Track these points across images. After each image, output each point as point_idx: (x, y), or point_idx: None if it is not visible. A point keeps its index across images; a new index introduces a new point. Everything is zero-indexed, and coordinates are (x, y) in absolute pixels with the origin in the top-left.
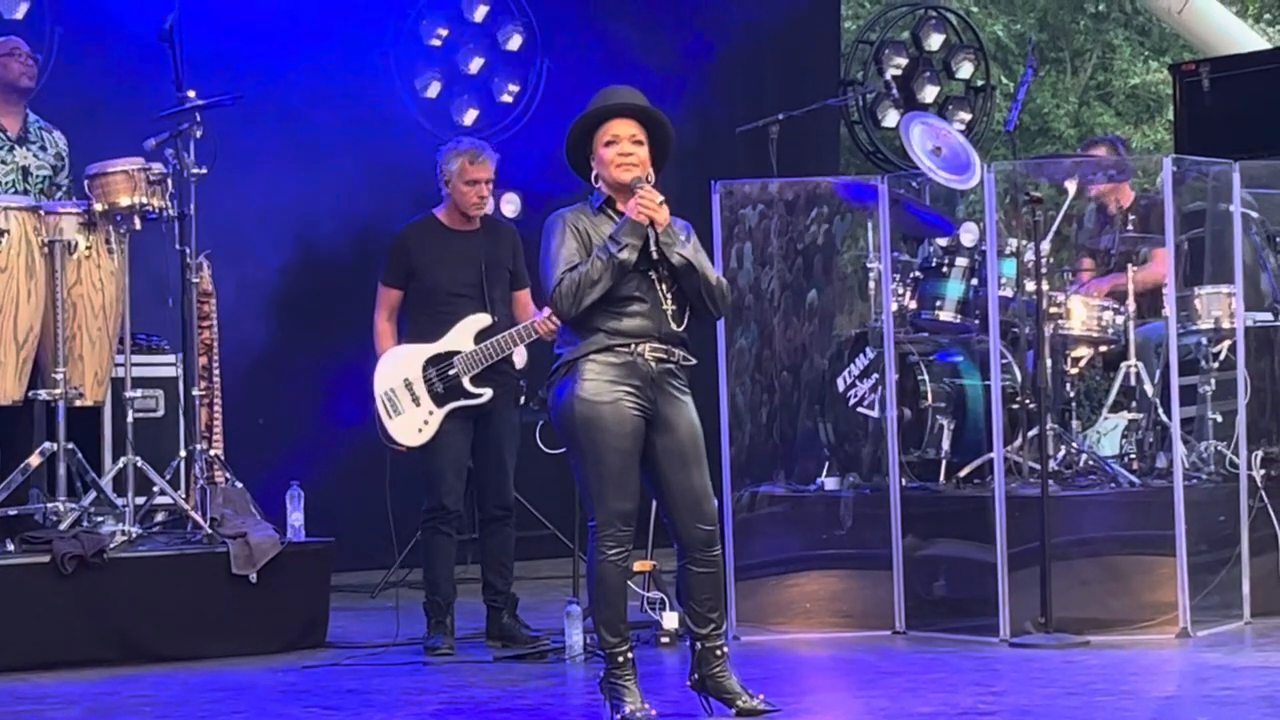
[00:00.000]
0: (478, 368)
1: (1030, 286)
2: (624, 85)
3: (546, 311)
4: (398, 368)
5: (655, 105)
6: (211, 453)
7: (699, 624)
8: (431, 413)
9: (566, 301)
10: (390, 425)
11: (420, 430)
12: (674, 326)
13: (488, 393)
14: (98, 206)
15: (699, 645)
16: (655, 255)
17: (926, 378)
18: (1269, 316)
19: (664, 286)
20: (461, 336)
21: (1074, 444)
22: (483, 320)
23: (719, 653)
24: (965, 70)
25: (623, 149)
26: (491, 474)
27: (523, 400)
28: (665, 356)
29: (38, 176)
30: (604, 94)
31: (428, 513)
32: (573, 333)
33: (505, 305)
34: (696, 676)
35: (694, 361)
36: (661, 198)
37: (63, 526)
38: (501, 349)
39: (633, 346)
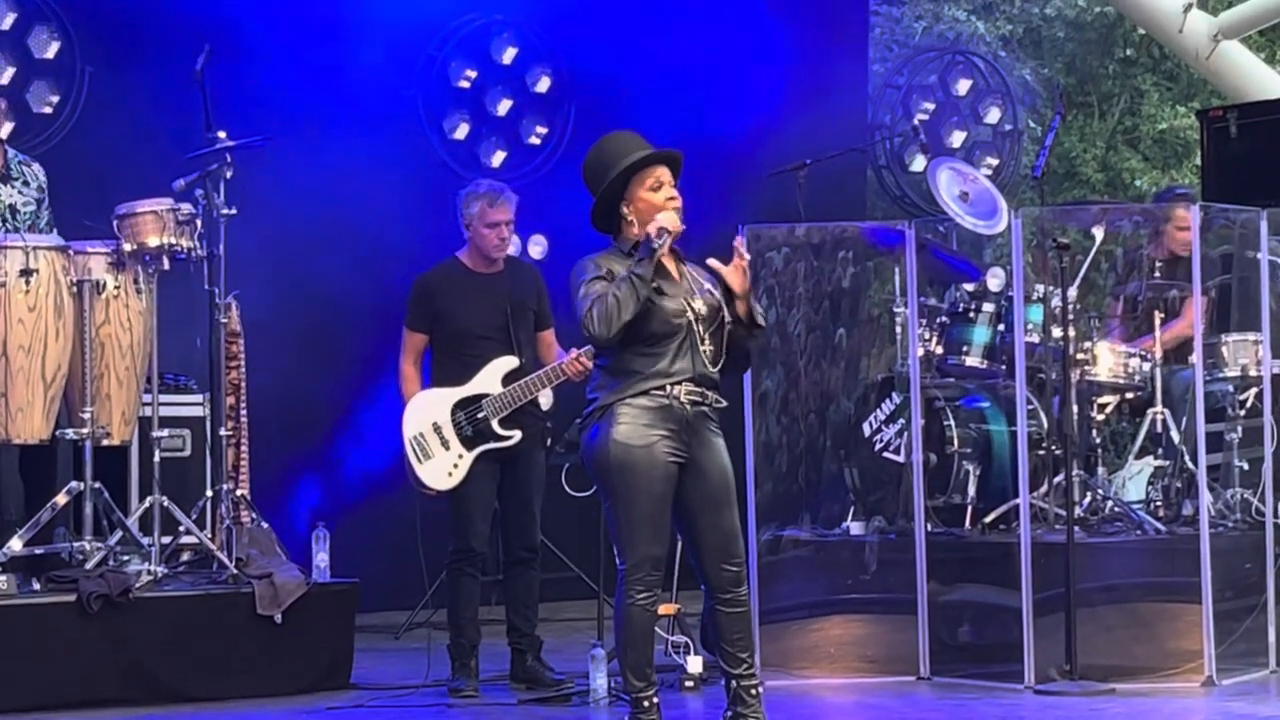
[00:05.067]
0: (506, 410)
1: (1057, 332)
2: (624, 131)
3: (574, 353)
4: (426, 412)
5: (683, 148)
6: (238, 493)
7: (732, 664)
8: (461, 456)
9: (600, 324)
10: (420, 470)
11: (450, 474)
12: (710, 368)
13: (517, 434)
14: (126, 246)
15: (734, 685)
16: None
17: (952, 423)
18: None
19: (700, 328)
20: (489, 379)
21: (1100, 490)
22: (510, 362)
23: (754, 691)
24: (993, 115)
25: (668, 192)
26: (518, 516)
27: (549, 443)
28: (700, 399)
29: (24, 213)
30: (620, 143)
31: (454, 554)
32: (607, 375)
33: (531, 347)
34: (730, 714)
35: (724, 404)
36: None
37: (89, 566)
38: (530, 390)
39: (668, 389)
